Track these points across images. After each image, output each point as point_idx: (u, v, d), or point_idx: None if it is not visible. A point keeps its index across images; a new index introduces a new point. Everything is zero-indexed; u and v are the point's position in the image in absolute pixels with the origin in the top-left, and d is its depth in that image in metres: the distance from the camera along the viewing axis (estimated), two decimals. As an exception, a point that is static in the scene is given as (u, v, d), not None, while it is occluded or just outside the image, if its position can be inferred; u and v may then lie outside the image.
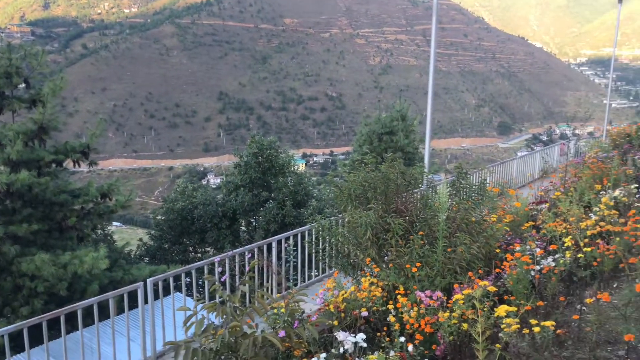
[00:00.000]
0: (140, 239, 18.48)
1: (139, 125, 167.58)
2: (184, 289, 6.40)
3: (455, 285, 4.26)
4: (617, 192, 6.70)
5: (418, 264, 4.48)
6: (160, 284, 5.85)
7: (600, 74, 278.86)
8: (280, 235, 7.01)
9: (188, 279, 6.81)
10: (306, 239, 7.06)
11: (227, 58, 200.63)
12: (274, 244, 6.90)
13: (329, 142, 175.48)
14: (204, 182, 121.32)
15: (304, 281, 7.46)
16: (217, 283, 3.93)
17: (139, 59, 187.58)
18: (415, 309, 4.16)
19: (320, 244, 6.54)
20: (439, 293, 4.25)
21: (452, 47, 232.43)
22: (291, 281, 6.74)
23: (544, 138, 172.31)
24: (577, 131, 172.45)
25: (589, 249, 4.67)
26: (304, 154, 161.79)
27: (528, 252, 4.93)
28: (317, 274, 7.57)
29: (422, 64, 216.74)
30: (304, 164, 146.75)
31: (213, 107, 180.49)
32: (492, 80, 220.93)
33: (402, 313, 4.20)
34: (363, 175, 5.25)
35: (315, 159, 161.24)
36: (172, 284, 6.88)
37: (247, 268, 4.05)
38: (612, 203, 5.89)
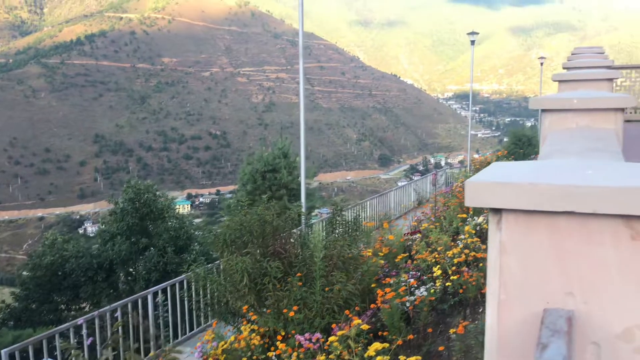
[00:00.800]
0: (3, 301, 16.61)
1: (3, 173, 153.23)
2: (58, 353, 5.68)
3: (334, 325, 4.24)
4: (480, 219, 7.20)
5: (295, 307, 4.41)
6: (30, 349, 5.17)
7: (466, 107, 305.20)
8: (154, 288, 6.60)
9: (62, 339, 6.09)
10: (184, 288, 6.72)
11: (102, 99, 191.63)
12: (149, 297, 6.48)
13: (214, 181, 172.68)
14: (80, 230, 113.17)
15: (185, 333, 7.06)
16: (77, 350, 3.55)
17: (1, 101, 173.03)
18: (295, 354, 4.07)
19: (201, 292, 6.26)
20: (317, 335, 4.20)
21: (332, 84, 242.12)
22: (162, 338, 6.33)
23: (421, 168, 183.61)
24: (449, 160, 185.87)
25: (455, 277, 4.91)
26: (189, 194, 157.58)
27: (403, 284, 5.08)
28: (198, 324, 7.20)
29: (304, 101, 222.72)
30: (189, 205, 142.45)
31: (88, 150, 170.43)
32: (370, 115, 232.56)
33: (282, 359, 4.09)
34: (238, 219, 5.12)
35: (201, 199, 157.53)
36: (45, 349, 6.11)
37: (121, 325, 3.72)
38: (474, 231, 6.29)
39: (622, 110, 2.50)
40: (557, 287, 1.01)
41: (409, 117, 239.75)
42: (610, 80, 3.48)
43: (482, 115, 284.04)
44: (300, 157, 11.07)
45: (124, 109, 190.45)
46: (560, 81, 3.67)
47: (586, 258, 1.02)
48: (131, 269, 15.99)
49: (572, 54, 6.91)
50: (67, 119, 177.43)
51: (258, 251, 5.06)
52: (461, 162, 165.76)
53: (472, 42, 21.40)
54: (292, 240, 5.33)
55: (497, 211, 1.11)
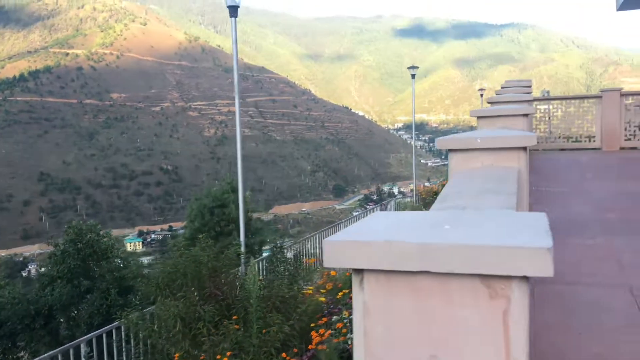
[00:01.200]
0: None
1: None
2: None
3: (270, 369, 4.10)
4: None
5: (229, 353, 4.24)
6: None
7: (415, 137, 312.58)
8: (87, 337, 6.25)
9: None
10: (122, 335, 6.39)
11: (47, 136, 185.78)
12: (82, 346, 6.12)
13: (167, 216, 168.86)
14: (24, 273, 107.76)
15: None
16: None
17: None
18: (230, 402, 3.90)
19: (139, 339, 5.96)
20: (254, 380, 4.05)
21: (284, 117, 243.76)
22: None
23: (375, 197, 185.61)
24: (402, 189, 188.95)
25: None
26: (140, 231, 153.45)
27: (345, 320, 4.98)
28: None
29: (257, 134, 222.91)
30: (140, 243, 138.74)
31: (33, 189, 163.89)
32: (324, 146, 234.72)
33: (218, 409, 3.90)
34: (172, 262, 4.94)
35: (153, 235, 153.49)
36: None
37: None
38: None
39: (525, 148, 2.54)
40: (422, 351, 0.97)
41: (361, 147, 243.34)
42: (526, 115, 3.60)
43: (431, 144, 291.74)
44: (239, 193, 10.92)
45: (71, 146, 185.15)
46: (478, 117, 3.76)
47: (448, 319, 0.99)
48: (73, 314, 15.21)
49: (501, 87, 7.19)
50: (10, 157, 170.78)
51: (196, 294, 4.86)
52: (412, 190, 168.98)
53: (413, 76, 22.09)
54: (230, 281, 5.17)
55: (359, 271, 1.07)
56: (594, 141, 13.70)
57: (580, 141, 13.99)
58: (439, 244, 0.99)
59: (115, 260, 15.38)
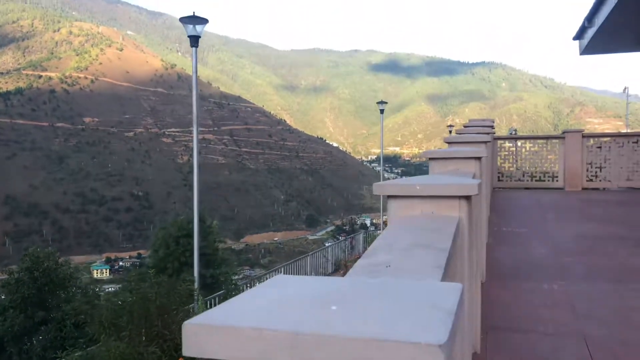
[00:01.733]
0: None
1: None
2: None
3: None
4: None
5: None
6: None
7: (388, 169, 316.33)
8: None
9: None
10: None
11: (15, 158, 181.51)
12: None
13: (136, 243, 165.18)
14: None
15: None
16: None
17: None
18: None
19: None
20: None
21: (259, 146, 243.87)
22: None
23: (347, 228, 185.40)
24: (374, 221, 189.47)
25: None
26: (108, 258, 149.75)
27: None
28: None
29: (231, 162, 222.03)
30: (107, 270, 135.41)
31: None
32: (298, 176, 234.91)
33: None
34: (117, 299, 4.70)
35: (121, 263, 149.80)
36: None
37: None
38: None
39: (468, 197, 2.38)
40: None
41: (335, 178, 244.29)
42: (479, 158, 3.56)
43: (404, 177, 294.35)
44: (194, 224, 10.63)
45: (40, 169, 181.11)
46: (430, 158, 3.70)
47: None
48: (25, 346, 14.53)
49: (464, 127, 7.24)
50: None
51: (143, 332, 4.63)
52: (385, 222, 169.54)
53: (382, 111, 22.38)
54: (179, 320, 4.94)
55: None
56: (557, 181, 13.81)
57: (544, 180, 14.08)
58: (311, 334, 0.81)
59: (73, 289, 14.85)
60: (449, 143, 4.77)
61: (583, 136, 13.54)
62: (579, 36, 13.05)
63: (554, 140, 14.16)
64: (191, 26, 13.52)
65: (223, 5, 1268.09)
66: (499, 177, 14.37)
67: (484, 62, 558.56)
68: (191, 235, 17.83)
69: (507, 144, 14.48)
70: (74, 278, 14.96)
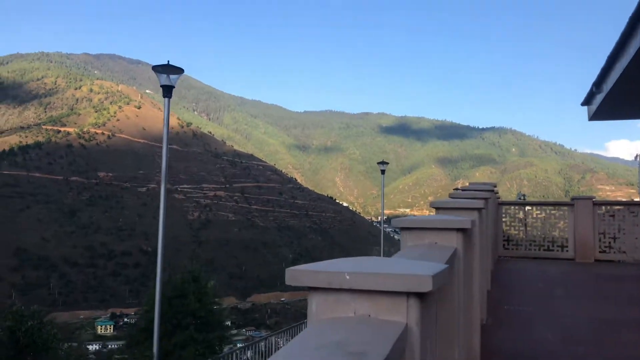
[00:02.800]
0: None
1: None
2: None
3: None
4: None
5: None
6: None
7: (398, 231, 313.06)
8: None
9: None
10: None
11: (29, 211, 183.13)
12: None
13: (142, 299, 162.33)
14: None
15: None
16: None
17: None
18: None
19: None
20: None
21: (269, 204, 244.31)
22: None
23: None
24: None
25: None
26: (113, 314, 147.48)
27: None
28: None
29: (241, 219, 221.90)
30: (112, 326, 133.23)
31: (7, 264, 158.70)
32: (307, 235, 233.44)
33: None
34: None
35: (126, 319, 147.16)
36: None
37: None
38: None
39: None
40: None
41: (344, 238, 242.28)
42: (461, 230, 3.22)
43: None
44: (156, 290, 9.93)
45: (52, 222, 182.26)
46: (436, 208, 3.23)
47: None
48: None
49: (460, 189, 6.76)
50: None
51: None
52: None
53: (383, 172, 22.01)
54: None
55: None
56: (567, 251, 12.82)
57: (553, 250, 13.10)
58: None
59: (58, 352, 14.09)
60: (435, 208, 4.16)
61: (594, 203, 12.68)
62: (587, 102, 12.72)
63: (563, 207, 13.28)
64: (165, 75, 12.93)
65: (240, 67, 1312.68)
66: (504, 244, 13.41)
67: (494, 127, 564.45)
68: (185, 296, 17.18)
69: (513, 210, 13.65)
70: (57, 339, 14.22)
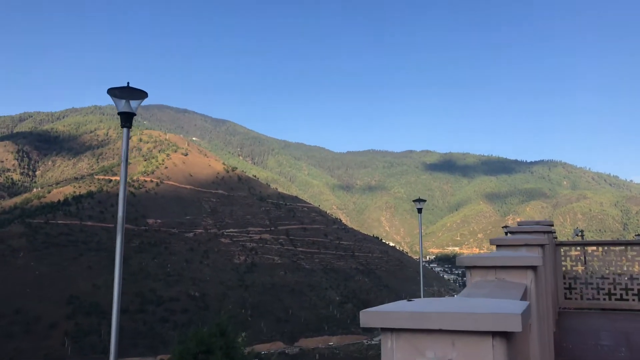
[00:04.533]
0: None
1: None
2: None
3: None
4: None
5: None
6: None
7: (448, 270, 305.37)
8: None
9: None
10: None
11: (81, 259, 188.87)
12: None
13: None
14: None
15: None
16: None
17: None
18: None
19: None
20: None
21: (315, 245, 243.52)
22: None
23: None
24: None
25: None
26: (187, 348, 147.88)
27: None
28: None
29: (286, 262, 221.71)
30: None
31: (60, 312, 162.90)
32: (353, 277, 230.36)
33: None
34: None
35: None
36: None
37: None
38: None
39: (506, 335, 2.49)
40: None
41: (391, 279, 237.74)
42: (542, 245, 3.12)
43: (464, 279, 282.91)
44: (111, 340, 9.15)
45: (103, 269, 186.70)
46: (497, 245, 3.13)
47: None
48: None
49: (509, 233, 6.47)
50: (43, 278, 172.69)
51: None
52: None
53: (419, 210, 21.28)
54: None
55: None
56: None
57: (627, 299, 10.80)
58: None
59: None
60: (496, 245, 3.87)
61: None
62: None
63: (636, 247, 11.06)
64: (124, 101, 10.47)
65: (282, 111, 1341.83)
66: (565, 293, 11.33)
67: (543, 160, 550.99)
68: (211, 352, 15.74)
69: (574, 252, 11.55)
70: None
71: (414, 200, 21.80)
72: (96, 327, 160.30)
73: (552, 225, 9.43)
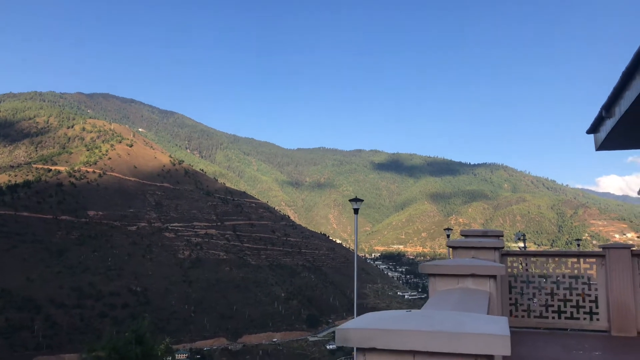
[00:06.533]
0: None
1: None
2: None
3: None
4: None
5: None
6: None
7: (392, 268, 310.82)
8: None
9: None
10: None
11: (15, 251, 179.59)
12: None
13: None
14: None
15: None
16: None
17: None
18: None
19: None
20: None
21: (262, 242, 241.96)
22: None
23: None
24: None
25: None
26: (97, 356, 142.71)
27: None
28: None
29: (232, 258, 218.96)
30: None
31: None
32: (300, 273, 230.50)
33: None
34: None
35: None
36: None
37: None
38: None
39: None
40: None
41: (337, 276, 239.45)
42: (492, 277, 3.04)
43: (408, 276, 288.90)
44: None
45: (39, 262, 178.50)
46: (453, 247, 3.14)
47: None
48: None
49: (461, 235, 6.25)
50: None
51: None
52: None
53: (356, 211, 20.93)
54: None
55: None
56: (598, 319, 9.66)
57: (578, 318, 9.79)
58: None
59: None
60: (452, 248, 3.47)
61: (633, 254, 9.58)
62: (594, 129, 10.56)
63: (589, 259, 9.96)
64: None
65: (231, 105, 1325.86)
66: (511, 311, 9.93)
67: (486, 163, 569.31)
68: None
69: (521, 262, 10.16)
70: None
71: (350, 200, 21.22)
72: (29, 322, 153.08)
73: (502, 236, 8.75)
